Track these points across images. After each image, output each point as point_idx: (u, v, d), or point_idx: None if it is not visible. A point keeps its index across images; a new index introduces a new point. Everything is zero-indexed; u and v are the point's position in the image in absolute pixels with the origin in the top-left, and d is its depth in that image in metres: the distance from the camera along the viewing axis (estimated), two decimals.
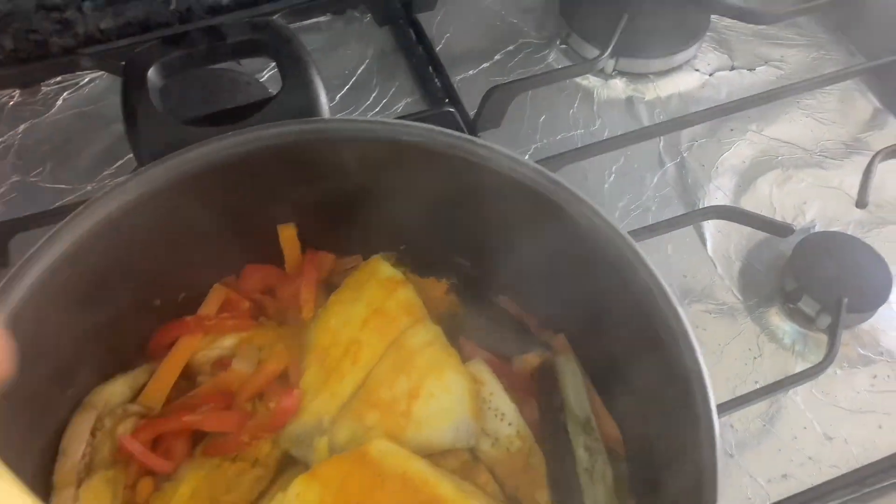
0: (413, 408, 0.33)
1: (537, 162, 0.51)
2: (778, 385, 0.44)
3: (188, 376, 0.40)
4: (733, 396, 0.46)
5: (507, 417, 0.34)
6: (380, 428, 0.33)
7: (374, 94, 0.60)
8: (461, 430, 0.33)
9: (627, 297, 0.33)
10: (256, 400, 0.37)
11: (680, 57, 0.61)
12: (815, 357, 0.47)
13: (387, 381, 0.34)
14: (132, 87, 0.35)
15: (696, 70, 0.62)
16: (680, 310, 0.31)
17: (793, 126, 0.59)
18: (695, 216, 0.50)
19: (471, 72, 0.61)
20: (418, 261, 0.43)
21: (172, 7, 0.61)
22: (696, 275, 0.51)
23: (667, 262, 0.52)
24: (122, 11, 0.61)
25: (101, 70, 0.57)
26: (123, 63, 0.38)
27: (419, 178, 0.35)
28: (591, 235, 0.34)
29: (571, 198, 0.34)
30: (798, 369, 0.47)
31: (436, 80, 0.59)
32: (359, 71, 0.61)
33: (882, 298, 0.48)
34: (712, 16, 0.62)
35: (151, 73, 0.36)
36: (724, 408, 0.43)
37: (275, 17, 0.61)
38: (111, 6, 0.60)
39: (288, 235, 0.40)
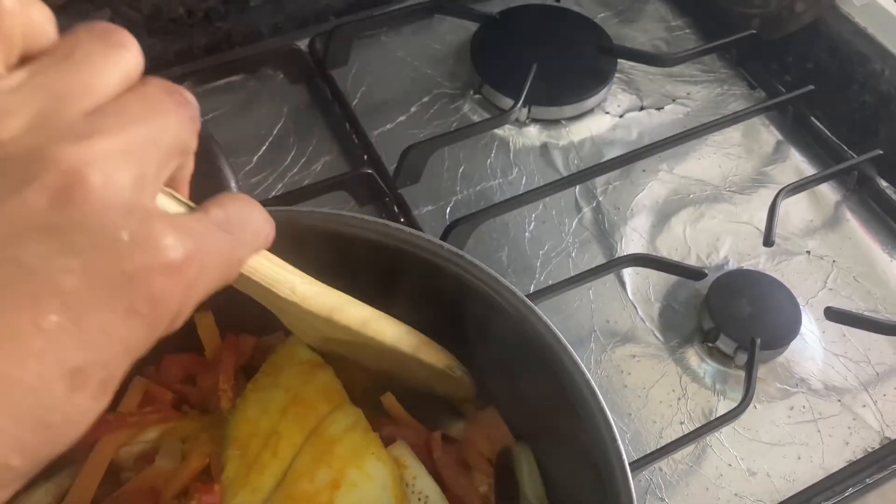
0: (335, 499, 0.33)
1: (457, 220, 0.52)
2: (702, 430, 0.45)
3: (112, 472, 0.39)
4: (660, 438, 0.47)
5: (430, 500, 0.34)
6: None
7: (291, 154, 0.59)
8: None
9: (545, 371, 0.34)
10: (182, 497, 0.37)
11: (591, 101, 0.62)
12: (736, 394, 0.49)
13: (308, 473, 0.33)
14: None
15: (607, 113, 0.63)
16: (593, 384, 0.32)
17: (701, 163, 0.61)
18: (612, 266, 0.51)
19: (388, 126, 0.61)
20: None
21: None
22: (618, 319, 0.53)
23: (589, 308, 0.53)
24: None
25: None
26: None
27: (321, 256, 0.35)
28: (505, 311, 0.34)
29: (473, 268, 0.35)
30: (720, 407, 0.49)
31: (353, 136, 0.59)
32: (275, 130, 0.61)
33: (794, 332, 0.50)
34: (618, 60, 0.64)
35: None
36: (652, 457, 0.45)
37: (186, 80, 0.60)
38: None
39: (205, 324, 0.39)
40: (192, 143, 0.24)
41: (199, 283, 0.22)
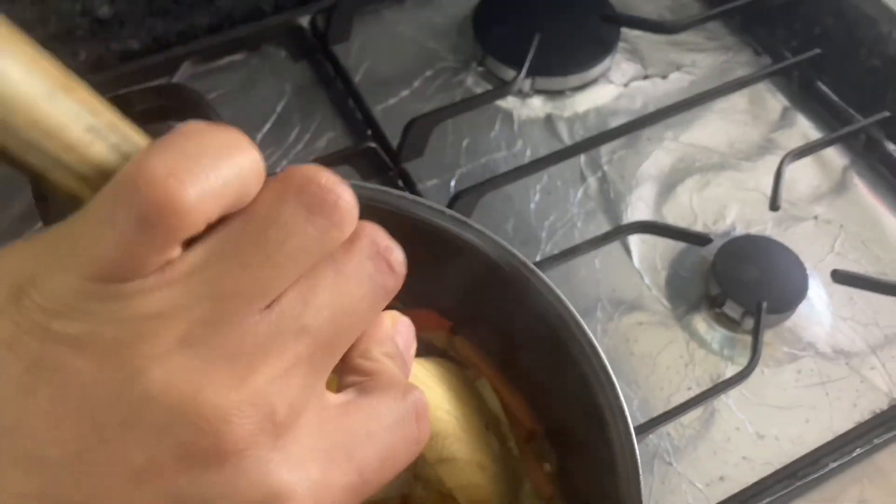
0: None
1: (462, 191, 0.52)
2: (708, 393, 0.46)
3: None
4: (668, 404, 0.47)
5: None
6: None
7: (296, 131, 0.59)
8: (394, 480, 0.33)
9: (549, 335, 0.34)
10: None
11: (594, 71, 0.62)
12: (744, 359, 0.49)
13: None
14: None
15: (611, 82, 0.63)
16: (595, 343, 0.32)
17: (707, 130, 0.61)
18: (617, 233, 0.51)
19: (391, 100, 0.61)
20: None
21: (83, 58, 0.60)
22: (624, 287, 0.53)
23: (595, 277, 0.53)
24: None
25: None
26: None
27: None
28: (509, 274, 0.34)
29: (477, 235, 0.35)
30: (728, 372, 0.49)
31: (357, 112, 0.59)
32: (278, 108, 0.61)
33: (800, 296, 0.50)
34: (622, 28, 0.64)
35: None
36: (659, 420, 0.45)
37: (187, 59, 0.60)
38: None
39: None
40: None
41: None
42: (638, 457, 0.29)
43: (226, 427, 0.16)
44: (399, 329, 0.23)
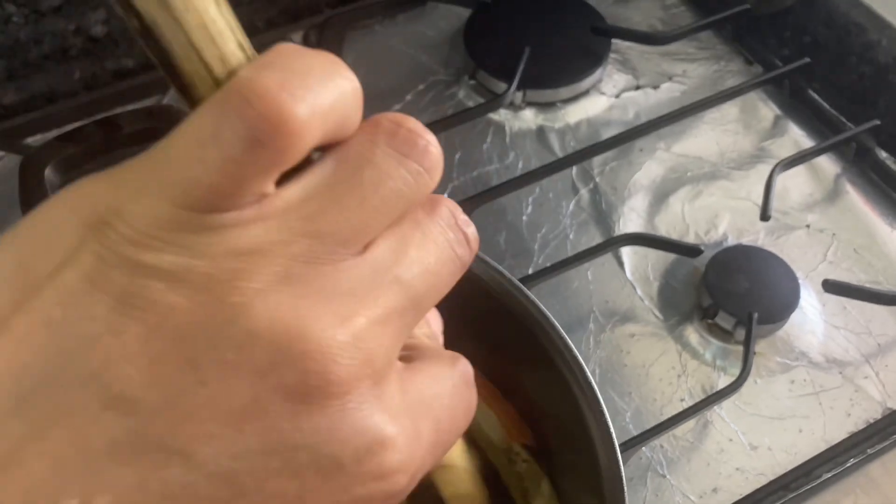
0: None
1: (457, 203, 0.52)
2: (700, 404, 0.46)
3: None
4: (660, 416, 0.48)
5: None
6: None
7: None
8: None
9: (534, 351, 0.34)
10: None
11: (586, 83, 0.62)
12: (736, 370, 0.49)
13: None
14: (30, 189, 0.35)
15: (603, 94, 0.63)
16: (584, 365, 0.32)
17: (698, 140, 0.61)
18: (609, 245, 0.51)
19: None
20: None
21: (77, 76, 0.61)
22: (617, 299, 0.53)
23: (588, 289, 0.53)
24: (25, 86, 0.60)
25: (4, 151, 0.56)
26: (20, 162, 0.37)
27: None
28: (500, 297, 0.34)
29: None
30: (721, 383, 0.49)
31: None
32: None
33: (792, 306, 0.50)
34: (613, 40, 0.64)
35: (48, 172, 0.36)
36: (652, 432, 0.45)
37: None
38: (13, 81, 0.60)
39: None
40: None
41: (410, 490, 0.19)
42: (623, 473, 0.29)
43: (333, 367, 0.16)
44: (432, 316, 0.23)
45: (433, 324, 0.22)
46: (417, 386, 0.19)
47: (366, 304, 0.17)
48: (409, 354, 0.20)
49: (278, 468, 0.16)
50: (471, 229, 0.20)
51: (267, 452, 0.15)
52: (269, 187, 0.16)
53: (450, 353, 0.21)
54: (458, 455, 0.32)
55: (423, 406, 0.19)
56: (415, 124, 0.19)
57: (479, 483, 0.34)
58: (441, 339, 0.23)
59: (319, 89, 0.17)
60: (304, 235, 0.16)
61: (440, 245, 0.19)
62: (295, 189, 0.17)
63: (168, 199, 0.15)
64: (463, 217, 0.20)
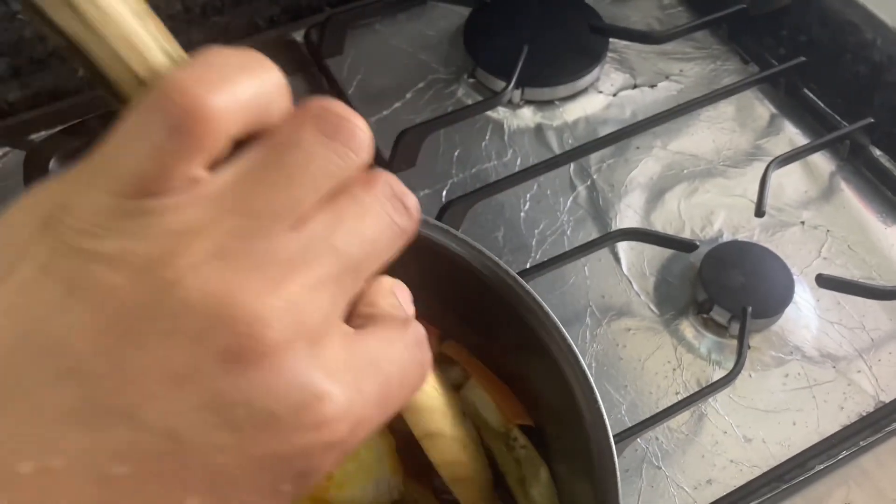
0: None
1: (453, 200, 0.53)
2: (695, 397, 0.46)
3: None
4: (656, 408, 0.48)
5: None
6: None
7: None
8: (382, 486, 0.34)
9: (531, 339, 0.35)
10: None
11: (583, 81, 0.63)
12: (731, 364, 0.50)
13: None
14: (35, 182, 0.36)
15: (600, 92, 0.64)
16: (579, 357, 0.33)
17: (695, 138, 0.62)
18: (605, 240, 0.52)
19: (384, 112, 0.62)
20: None
21: (80, 74, 0.61)
22: (613, 294, 0.54)
23: (585, 284, 0.54)
24: (29, 82, 0.61)
25: (8, 146, 0.57)
26: (25, 154, 0.38)
27: None
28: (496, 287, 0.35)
29: (462, 244, 0.36)
30: (715, 377, 0.50)
31: None
32: None
33: (786, 301, 0.51)
34: (611, 38, 0.65)
35: (53, 164, 0.37)
36: (647, 423, 0.46)
37: None
38: (17, 78, 0.60)
39: None
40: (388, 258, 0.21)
41: (356, 443, 0.20)
42: (615, 456, 0.30)
43: (262, 329, 0.17)
44: (398, 289, 0.24)
45: (399, 294, 0.23)
46: (365, 347, 0.20)
47: (299, 271, 0.18)
48: (365, 322, 0.22)
49: (217, 423, 0.17)
50: (410, 199, 0.22)
51: (205, 409, 0.17)
52: (200, 172, 0.18)
53: (404, 317, 0.23)
54: (447, 424, 0.33)
55: (371, 364, 0.20)
56: (343, 108, 0.20)
57: (473, 452, 0.34)
58: (409, 308, 0.24)
59: (236, 81, 0.18)
60: (236, 213, 0.18)
61: (377, 214, 0.20)
62: (226, 173, 0.18)
63: (107, 190, 0.17)
64: (401, 188, 0.22)
